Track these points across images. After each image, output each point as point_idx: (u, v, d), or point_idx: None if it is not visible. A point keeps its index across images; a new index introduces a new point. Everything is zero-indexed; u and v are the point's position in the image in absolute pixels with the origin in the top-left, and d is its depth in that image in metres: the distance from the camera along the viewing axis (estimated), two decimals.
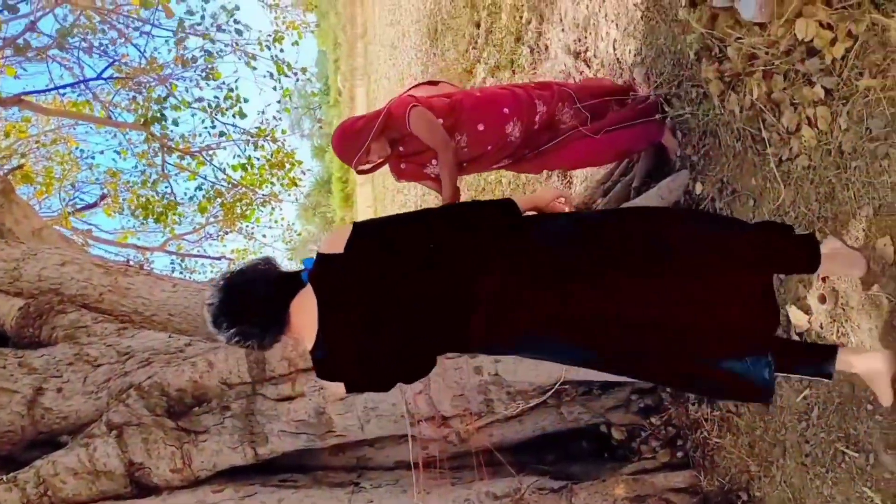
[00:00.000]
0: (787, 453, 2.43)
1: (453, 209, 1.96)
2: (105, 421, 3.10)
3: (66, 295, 3.64)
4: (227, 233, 11.19)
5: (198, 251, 11.91)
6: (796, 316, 2.33)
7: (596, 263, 1.74)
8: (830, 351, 1.86)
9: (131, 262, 6.30)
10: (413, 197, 10.99)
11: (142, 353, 3.35)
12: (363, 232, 1.80)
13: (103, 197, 9.98)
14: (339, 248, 1.77)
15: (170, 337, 3.49)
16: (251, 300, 1.72)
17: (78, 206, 10.38)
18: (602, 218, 1.98)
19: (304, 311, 1.73)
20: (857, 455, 2.11)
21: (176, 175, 9.00)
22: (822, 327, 2.23)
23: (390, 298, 1.74)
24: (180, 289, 3.89)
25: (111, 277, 3.75)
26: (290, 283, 1.77)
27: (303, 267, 1.82)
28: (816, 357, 1.89)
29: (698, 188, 3.02)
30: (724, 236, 1.84)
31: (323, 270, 1.77)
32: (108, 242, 10.51)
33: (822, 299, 2.17)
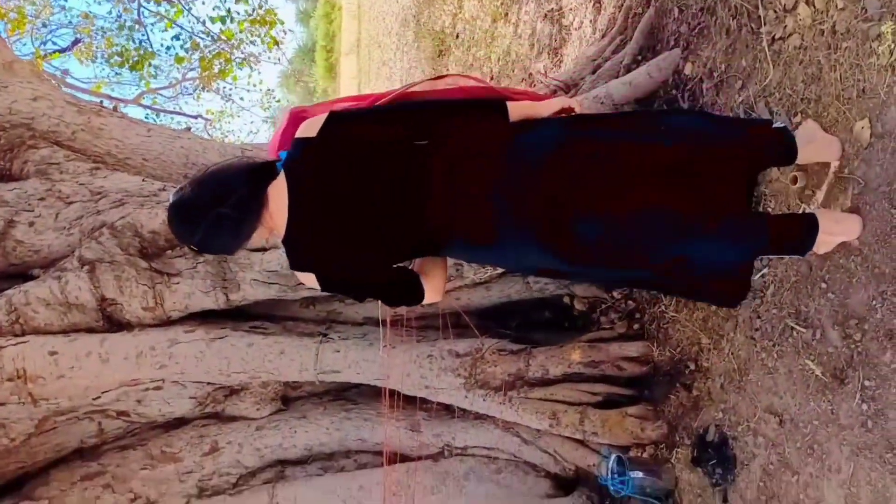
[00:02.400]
0: (738, 328, 2.55)
1: (430, 104, 1.93)
2: (77, 256, 3.11)
3: (37, 131, 3.54)
4: (203, 89, 10.87)
5: (173, 108, 11.59)
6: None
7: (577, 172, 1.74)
8: (811, 225, 1.90)
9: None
10: (399, 71, 10.71)
11: (115, 194, 3.33)
12: (338, 119, 1.78)
13: (76, 42, 9.57)
14: (313, 132, 1.76)
15: (143, 181, 3.45)
16: (227, 183, 1.68)
17: (50, 51, 9.96)
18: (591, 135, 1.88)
19: (278, 197, 1.72)
20: (804, 330, 2.21)
21: (153, 24, 8.61)
22: (788, 208, 2.28)
23: (354, 189, 1.74)
24: (155, 134, 3.80)
25: (84, 117, 3.65)
26: (266, 171, 1.74)
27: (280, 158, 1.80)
28: (796, 232, 1.92)
29: (688, 68, 2.98)
30: (708, 132, 1.85)
31: (295, 155, 1.77)
32: (82, 90, 10.17)
33: (794, 180, 2.20)
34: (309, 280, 1.81)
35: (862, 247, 1.98)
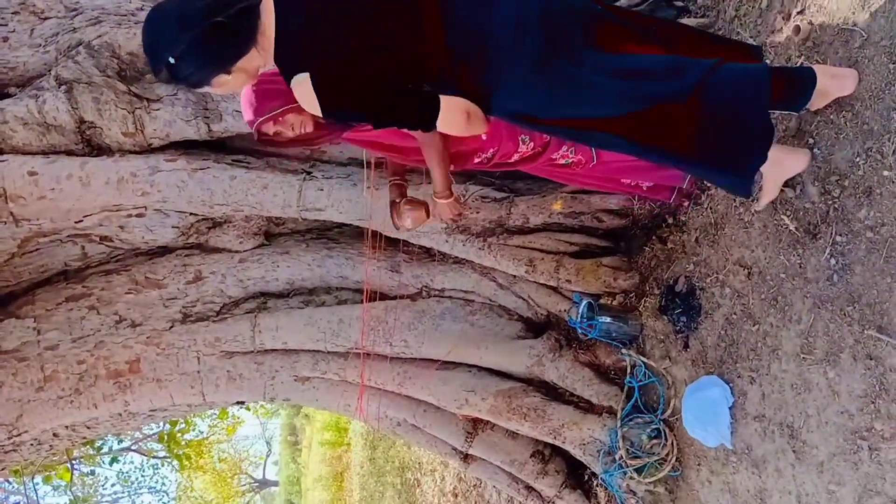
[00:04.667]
0: None
1: None
2: (54, 76, 3.00)
3: None
4: None
5: None
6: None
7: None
8: (809, 79, 1.89)
9: None
10: None
11: (91, 11, 3.15)
12: None
13: None
14: None
15: None
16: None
17: None
18: None
19: (268, 12, 1.64)
20: (785, 188, 2.24)
21: None
22: (788, 60, 2.24)
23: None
24: None
25: None
26: None
27: None
28: (795, 85, 1.91)
29: None
30: None
31: None
32: None
33: (797, 31, 2.15)
34: (308, 98, 1.70)
35: (854, 102, 1.97)
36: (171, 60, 1.58)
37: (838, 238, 2.01)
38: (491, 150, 2.55)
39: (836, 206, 2.03)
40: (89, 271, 3.39)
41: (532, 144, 2.55)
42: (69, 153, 3.08)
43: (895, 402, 1.84)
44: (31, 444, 3.32)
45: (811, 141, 2.13)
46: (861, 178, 1.95)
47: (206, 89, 1.72)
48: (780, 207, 2.25)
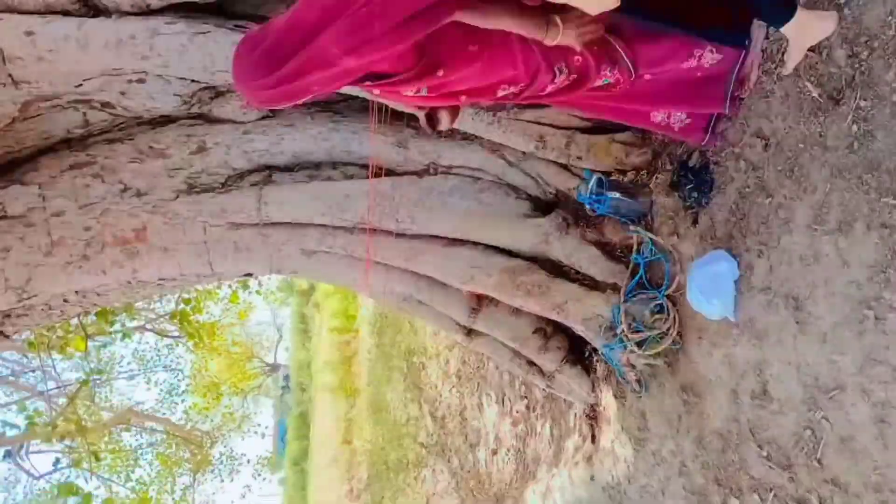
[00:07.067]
0: None
1: None
2: None
3: None
4: None
5: None
6: None
7: None
8: None
9: None
10: None
11: None
12: None
13: None
14: None
15: None
16: None
17: None
18: None
19: None
20: (812, 53, 2.13)
21: None
22: None
23: None
24: None
25: None
26: None
27: None
28: None
29: None
30: None
31: None
32: None
33: None
34: None
35: None
36: None
37: (862, 103, 1.93)
38: (522, 84, 2.17)
39: (862, 69, 1.94)
40: (92, 139, 3.34)
41: (568, 73, 2.20)
42: (66, 14, 2.97)
43: None
44: (42, 309, 3.38)
45: (841, 1, 2.01)
46: (892, 39, 1.85)
47: None
48: (804, 73, 2.16)
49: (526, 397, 4.57)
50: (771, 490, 2.32)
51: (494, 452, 5.23)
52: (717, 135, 2.53)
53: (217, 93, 3.32)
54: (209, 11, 3.19)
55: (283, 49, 1.77)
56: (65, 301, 3.41)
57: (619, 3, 1.74)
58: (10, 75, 2.93)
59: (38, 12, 2.95)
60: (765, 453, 2.34)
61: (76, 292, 3.40)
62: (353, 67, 1.77)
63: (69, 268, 3.15)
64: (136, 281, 3.45)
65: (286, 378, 26.61)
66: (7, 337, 3.43)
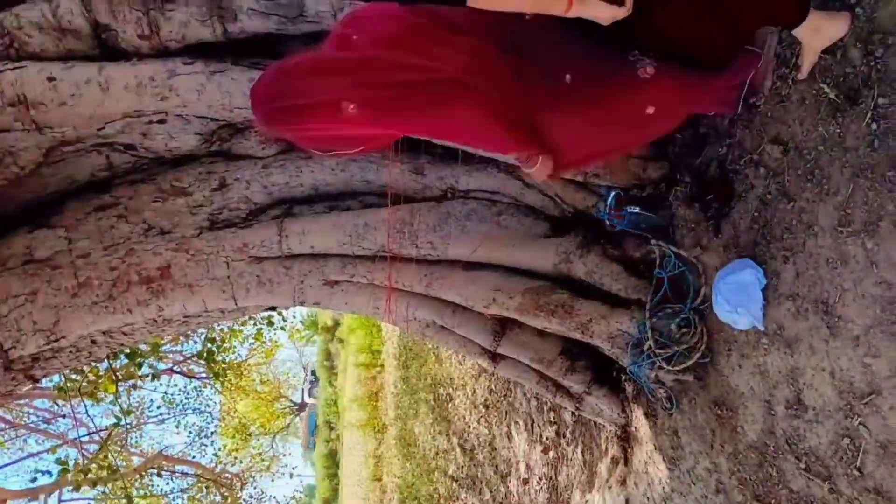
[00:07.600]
0: None
1: None
2: None
3: None
4: None
5: None
6: None
7: None
8: None
9: None
10: None
11: None
12: None
13: None
14: None
15: None
16: None
17: None
18: None
19: None
20: (826, 56, 2.12)
21: None
22: None
23: None
24: None
25: None
26: None
27: None
28: None
29: None
30: None
31: None
32: None
33: None
34: None
35: None
36: None
37: (880, 100, 1.91)
38: None
39: (878, 66, 1.92)
40: (116, 181, 3.40)
41: None
42: (86, 58, 3.05)
43: None
44: (70, 351, 3.42)
45: (853, 1, 2.00)
46: None
47: None
48: (819, 76, 2.14)
49: (555, 423, 4.50)
50: (812, 503, 2.25)
51: (526, 482, 5.14)
52: (749, 106, 2.45)
53: (236, 129, 3.37)
54: (226, 50, 3.26)
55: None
56: (92, 342, 3.44)
57: (630, 12, 1.74)
58: (33, 121, 3.00)
59: (60, 58, 3.04)
60: (803, 465, 2.27)
61: (103, 332, 3.43)
62: None
63: (96, 308, 3.19)
64: (161, 319, 3.48)
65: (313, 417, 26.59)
66: (37, 380, 3.46)
